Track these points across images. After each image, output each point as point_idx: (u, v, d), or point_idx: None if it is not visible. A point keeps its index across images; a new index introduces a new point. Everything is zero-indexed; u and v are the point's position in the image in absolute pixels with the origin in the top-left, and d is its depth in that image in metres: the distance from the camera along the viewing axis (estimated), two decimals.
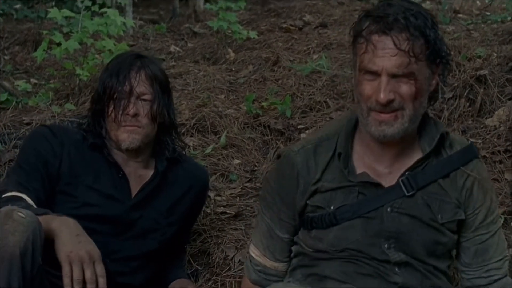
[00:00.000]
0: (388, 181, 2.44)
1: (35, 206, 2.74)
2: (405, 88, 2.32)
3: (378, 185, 2.43)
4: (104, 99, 2.98)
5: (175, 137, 3.16)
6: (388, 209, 2.42)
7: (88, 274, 2.50)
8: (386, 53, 2.30)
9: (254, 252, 2.68)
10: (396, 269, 2.43)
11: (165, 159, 3.09)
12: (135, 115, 2.95)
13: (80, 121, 3.12)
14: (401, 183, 2.42)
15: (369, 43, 2.32)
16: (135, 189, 3.03)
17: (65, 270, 2.49)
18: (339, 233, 2.44)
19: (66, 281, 2.48)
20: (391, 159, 2.45)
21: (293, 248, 2.61)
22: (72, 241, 2.54)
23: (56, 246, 2.53)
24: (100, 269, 2.54)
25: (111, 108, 2.96)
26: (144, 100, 2.97)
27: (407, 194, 2.42)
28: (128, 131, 2.95)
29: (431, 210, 2.43)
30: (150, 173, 3.07)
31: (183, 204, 3.13)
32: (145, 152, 3.06)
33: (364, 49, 2.34)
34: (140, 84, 2.97)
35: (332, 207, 2.45)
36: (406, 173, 2.43)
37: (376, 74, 2.32)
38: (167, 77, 3.11)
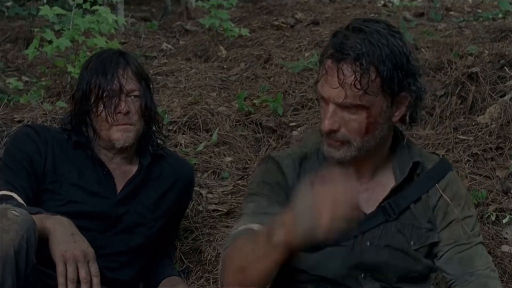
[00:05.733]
0: (366, 200, 2.38)
1: (25, 205, 2.73)
2: (354, 122, 2.25)
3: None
4: (91, 99, 2.95)
5: (157, 131, 3.15)
6: (368, 243, 2.37)
7: (82, 274, 2.52)
8: (333, 83, 2.22)
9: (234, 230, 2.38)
10: None
11: (149, 154, 3.09)
12: (127, 112, 2.95)
13: (65, 118, 3.10)
14: (381, 210, 2.38)
15: (323, 68, 2.25)
16: (120, 185, 3.03)
17: (60, 269, 2.50)
18: (320, 259, 2.37)
19: (61, 280, 2.49)
20: (369, 175, 2.41)
21: None
22: (67, 240, 2.55)
23: (50, 245, 2.54)
24: (94, 268, 2.55)
25: (100, 108, 2.94)
26: (134, 96, 2.97)
27: (389, 220, 2.37)
28: (121, 130, 2.94)
29: (405, 237, 2.39)
30: (134, 168, 3.07)
31: (169, 198, 3.13)
32: (132, 149, 3.06)
33: (321, 72, 2.27)
34: (129, 81, 2.96)
35: None
36: (384, 202, 2.38)
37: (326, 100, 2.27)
38: (146, 72, 3.13)
